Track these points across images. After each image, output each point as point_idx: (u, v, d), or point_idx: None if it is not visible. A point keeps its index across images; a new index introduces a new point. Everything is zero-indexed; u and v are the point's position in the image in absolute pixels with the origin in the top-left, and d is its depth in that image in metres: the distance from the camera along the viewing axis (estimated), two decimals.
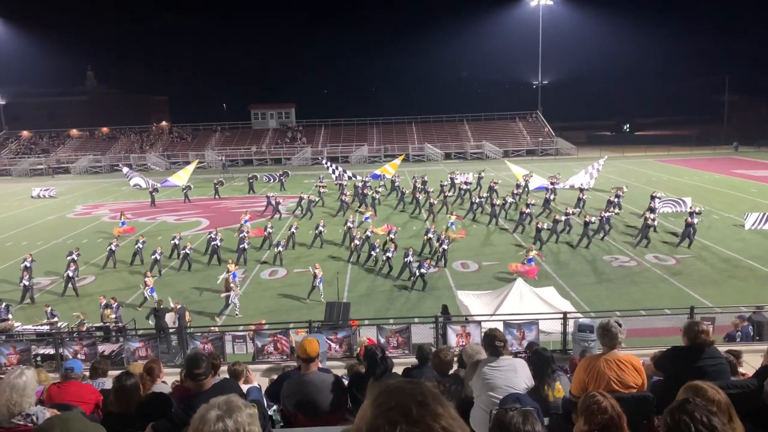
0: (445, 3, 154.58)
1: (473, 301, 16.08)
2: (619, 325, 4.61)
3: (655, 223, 25.95)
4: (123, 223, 30.43)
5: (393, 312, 18.43)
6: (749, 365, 8.78)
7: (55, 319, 17.21)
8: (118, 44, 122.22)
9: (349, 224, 26.65)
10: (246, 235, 25.05)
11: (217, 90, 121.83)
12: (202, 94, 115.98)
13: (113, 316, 17.15)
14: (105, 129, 76.43)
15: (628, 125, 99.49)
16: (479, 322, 13.26)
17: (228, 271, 20.45)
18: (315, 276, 19.80)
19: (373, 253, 23.38)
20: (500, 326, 11.95)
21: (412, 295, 20.29)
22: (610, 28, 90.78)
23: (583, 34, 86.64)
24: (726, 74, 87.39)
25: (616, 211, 28.86)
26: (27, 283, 20.78)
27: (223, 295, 19.27)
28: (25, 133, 74.48)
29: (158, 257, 23.22)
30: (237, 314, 18.84)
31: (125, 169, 50.33)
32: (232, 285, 19.21)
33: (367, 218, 28.79)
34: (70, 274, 21.37)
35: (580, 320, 12.26)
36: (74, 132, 75.76)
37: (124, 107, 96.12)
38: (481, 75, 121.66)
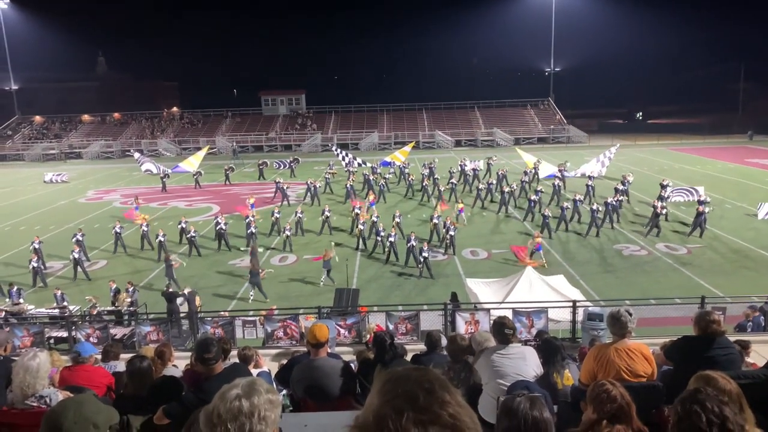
0: None
1: (482, 289, 16.08)
2: (630, 314, 4.59)
3: (664, 211, 25.70)
4: (137, 208, 30.62)
5: (401, 298, 18.46)
6: (760, 355, 8.74)
7: (65, 303, 17.39)
8: (129, 30, 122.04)
9: (356, 210, 26.71)
10: (252, 219, 25.18)
11: (227, 76, 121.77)
12: (212, 80, 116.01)
13: (129, 300, 17.32)
14: (116, 114, 76.77)
15: (640, 113, 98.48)
16: (488, 310, 13.28)
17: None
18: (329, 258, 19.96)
19: (378, 238, 23.44)
20: (509, 314, 11.95)
21: (420, 281, 20.31)
22: (623, 16, 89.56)
23: (595, 21, 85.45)
24: (741, 62, 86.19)
25: (620, 198, 28.47)
26: (35, 265, 20.95)
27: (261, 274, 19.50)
28: (37, 118, 74.98)
29: (162, 239, 23.40)
30: (251, 296, 18.99)
31: (136, 155, 50.56)
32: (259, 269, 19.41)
33: (372, 204, 28.73)
34: (76, 256, 21.58)
35: (590, 309, 12.25)
36: (86, 117, 76.17)
37: (136, 93, 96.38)
38: (493, 62, 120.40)
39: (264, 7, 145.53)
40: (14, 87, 75.68)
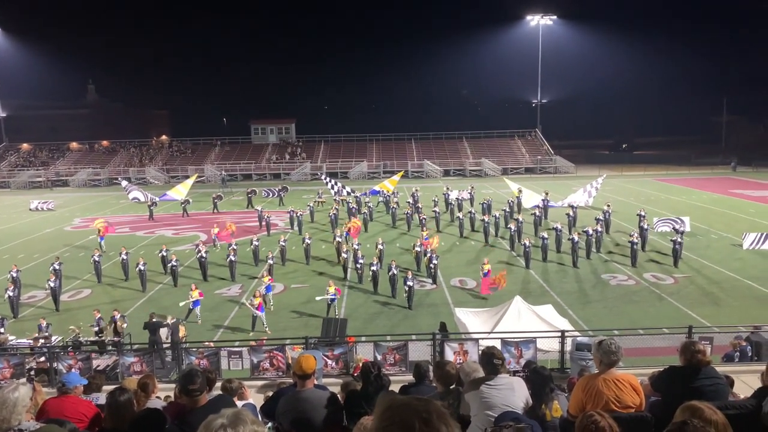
0: (445, 21, 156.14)
1: (471, 319, 16.03)
2: (615, 345, 4.57)
3: (637, 240, 25.72)
4: (102, 239, 30.22)
5: (389, 328, 18.35)
6: (747, 385, 8.74)
7: (47, 333, 17.02)
8: (120, 58, 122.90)
9: (338, 239, 26.75)
10: (234, 248, 25.12)
11: (217, 105, 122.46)
12: (202, 108, 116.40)
13: (124, 325, 17.11)
14: (105, 142, 76.59)
15: (626, 144, 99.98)
16: (477, 340, 13.21)
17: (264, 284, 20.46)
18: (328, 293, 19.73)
19: (357, 266, 23.35)
20: (498, 344, 11.90)
21: (408, 311, 20.20)
22: (609, 48, 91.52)
23: (582, 54, 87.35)
24: (724, 95, 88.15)
25: (599, 228, 28.55)
26: (11, 294, 20.59)
27: (252, 306, 18.78)
28: (25, 145, 74.62)
29: (142, 268, 23.17)
30: (265, 328, 18.59)
31: (124, 183, 50.37)
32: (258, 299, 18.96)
33: (347, 234, 28.68)
34: (52, 285, 21.26)
35: (578, 339, 12.22)
36: (74, 145, 75.90)
37: (125, 121, 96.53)
38: (481, 93, 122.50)
39: (255, 36, 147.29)
40: (2, 114, 75.50)
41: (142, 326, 16.80)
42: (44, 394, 6.73)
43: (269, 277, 21.74)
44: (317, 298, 20.07)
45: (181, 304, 19.89)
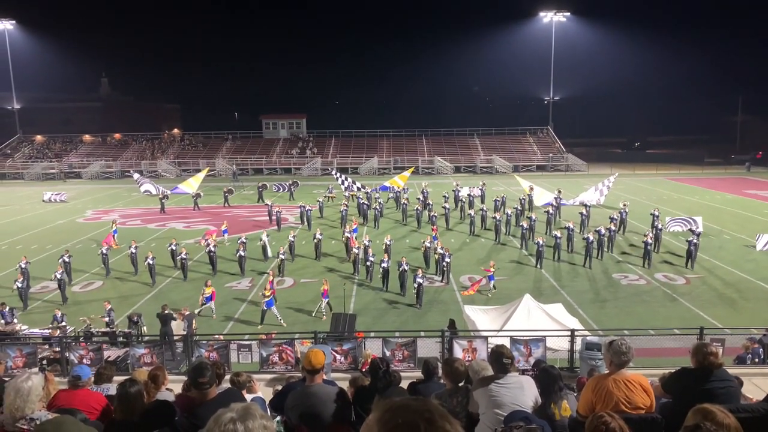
0: (457, 17, 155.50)
1: (480, 317, 16.00)
2: (625, 346, 4.54)
3: (651, 240, 25.49)
4: (114, 232, 30.33)
5: (398, 325, 18.36)
6: (759, 388, 8.67)
7: (64, 323, 17.23)
8: (133, 52, 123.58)
9: (347, 235, 26.74)
10: (244, 242, 25.22)
11: (229, 99, 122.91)
12: (214, 103, 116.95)
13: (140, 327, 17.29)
14: (117, 135, 77.11)
15: (638, 143, 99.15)
16: (486, 338, 13.18)
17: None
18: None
19: (367, 264, 23.33)
20: (507, 342, 11.87)
21: (417, 308, 20.17)
22: (622, 46, 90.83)
23: (595, 51, 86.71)
24: (739, 94, 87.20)
25: (612, 227, 28.34)
26: (20, 286, 20.76)
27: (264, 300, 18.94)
28: (38, 137, 75.29)
29: (151, 262, 23.27)
30: (280, 322, 18.67)
31: (136, 176, 50.71)
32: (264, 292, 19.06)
33: (355, 230, 28.62)
34: (59, 277, 21.41)
35: (588, 338, 12.14)
36: (87, 137, 76.48)
37: (138, 114, 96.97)
38: (493, 90, 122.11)
39: (267, 32, 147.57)
40: (17, 106, 76.16)
41: (151, 317, 16.95)
42: (56, 384, 6.79)
43: (270, 278, 21.75)
44: (313, 314, 19.79)
45: (197, 311, 19.40)
